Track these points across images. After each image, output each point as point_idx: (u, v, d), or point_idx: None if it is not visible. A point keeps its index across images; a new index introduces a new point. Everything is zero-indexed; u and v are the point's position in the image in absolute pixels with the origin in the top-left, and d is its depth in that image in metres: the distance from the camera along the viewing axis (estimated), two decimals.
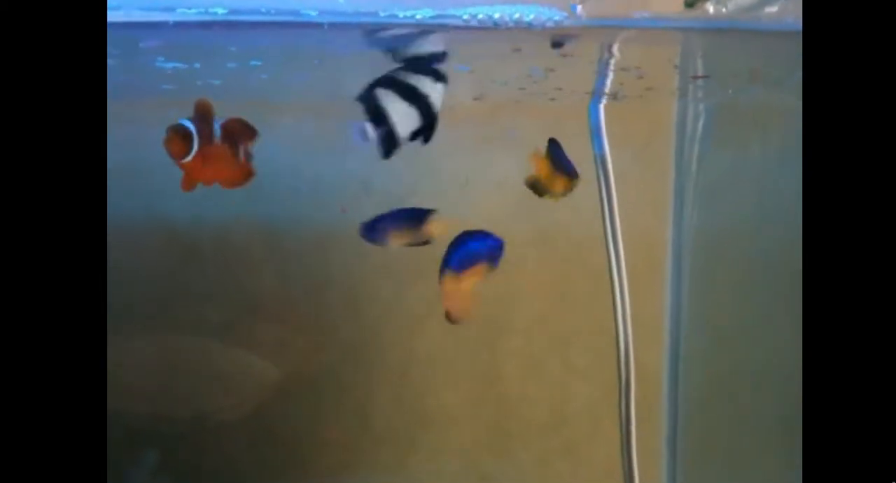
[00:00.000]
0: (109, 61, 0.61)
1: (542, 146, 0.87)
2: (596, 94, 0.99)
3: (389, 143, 0.74)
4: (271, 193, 1.18)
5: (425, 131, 0.78)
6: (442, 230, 0.85)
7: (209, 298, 1.21)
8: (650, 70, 0.87)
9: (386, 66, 0.86)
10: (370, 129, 0.73)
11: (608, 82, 0.93)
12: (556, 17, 0.54)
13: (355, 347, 1.24)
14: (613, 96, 0.99)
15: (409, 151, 1.19)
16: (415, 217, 0.86)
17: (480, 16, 0.54)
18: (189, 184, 0.79)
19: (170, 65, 0.79)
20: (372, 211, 1.22)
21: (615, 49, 0.81)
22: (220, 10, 0.53)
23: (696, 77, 0.91)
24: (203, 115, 0.77)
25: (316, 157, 1.19)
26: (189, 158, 0.77)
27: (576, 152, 1.01)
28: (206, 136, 0.77)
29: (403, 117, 0.75)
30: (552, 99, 0.99)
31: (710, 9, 0.76)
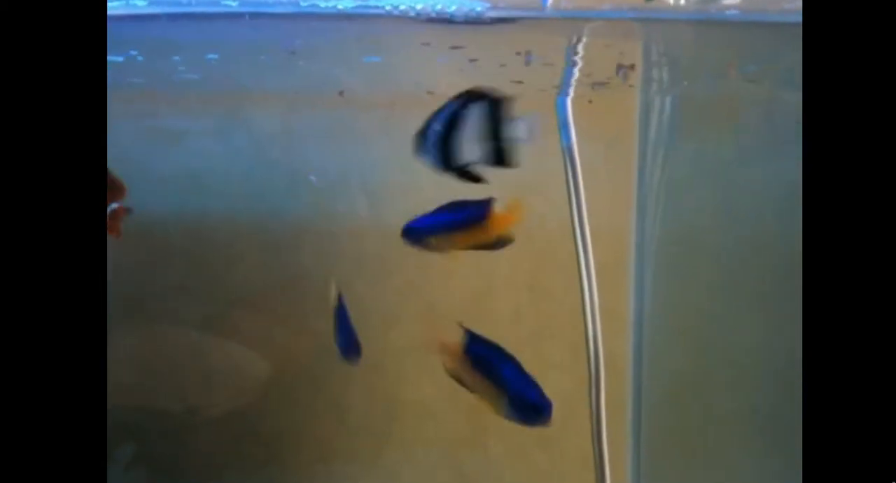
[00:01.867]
0: None
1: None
2: (563, 88, 1.00)
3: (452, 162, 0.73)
4: (246, 187, 1.19)
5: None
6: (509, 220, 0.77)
7: (184, 293, 1.21)
8: (604, 64, 0.87)
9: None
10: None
11: (575, 75, 0.94)
12: (478, 9, 0.54)
13: (330, 340, 1.24)
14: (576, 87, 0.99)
15: (377, 145, 1.20)
16: (470, 214, 0.78)
17: (402, 6, 0.53)
18: None
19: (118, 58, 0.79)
20: (346, 202, 1.23)
21: (580, 45, 0.81)
22: (141, 3, 0.53)
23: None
24: None
25: (290, 150, 1.19)
26: None
27: (545, 146, 1.03)
28: None
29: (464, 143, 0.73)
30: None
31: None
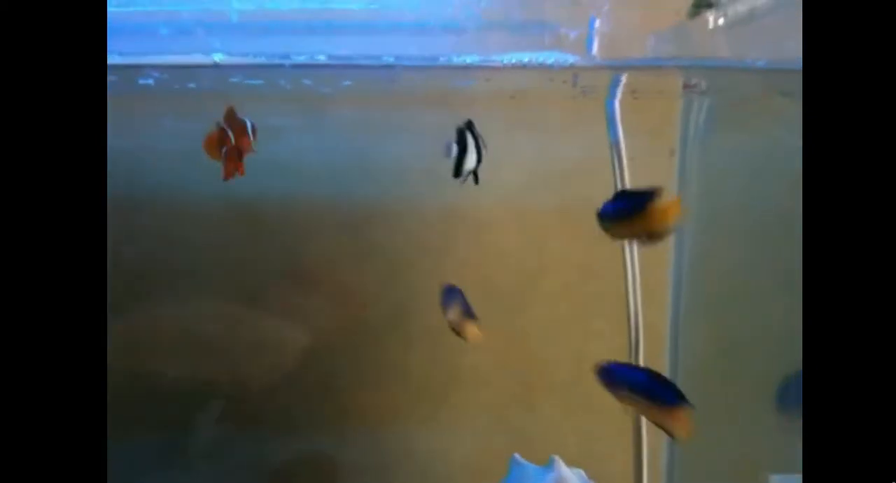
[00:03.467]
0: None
1: None
2: (611, 94, 1.10)
3: (457, 167, 0.88)
4: (325, 173, 1.27)
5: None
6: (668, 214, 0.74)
7: (268, 266, 1.29)
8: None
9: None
10: (453, 149, 0.87)
11: (620, 86, 1.05)
12: (571, 60, 0.69)
13: (395, 312, 1.31)
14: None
15: (438, 137, 1.28)
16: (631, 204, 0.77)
17: (514, 60, 0.69)
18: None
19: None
20: (413, 183, 1.30)
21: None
22: (322, 57, 0.68)
23: (687, 86, 1.01)
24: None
25: (364, 141, 1.27)
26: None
27: (594, 139, 1.12)
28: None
29: (471, 156, 0.89)
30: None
31: (710, 19, 0.87)
